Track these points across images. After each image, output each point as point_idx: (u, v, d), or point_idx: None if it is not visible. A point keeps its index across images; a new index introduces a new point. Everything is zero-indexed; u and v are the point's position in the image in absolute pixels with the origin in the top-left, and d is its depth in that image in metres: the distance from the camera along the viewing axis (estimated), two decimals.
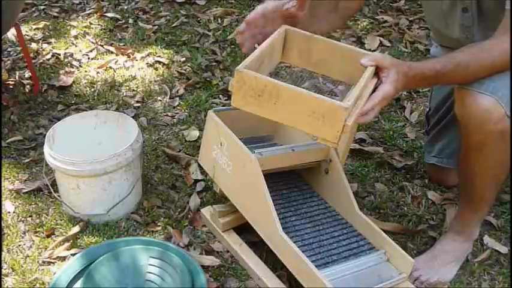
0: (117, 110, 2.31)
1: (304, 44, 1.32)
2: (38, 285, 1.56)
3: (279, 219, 1.45)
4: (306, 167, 1.67)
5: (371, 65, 1.24)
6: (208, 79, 2.54)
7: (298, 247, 1.41)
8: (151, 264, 1.52)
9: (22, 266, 1.62)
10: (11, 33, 2.77)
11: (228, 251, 1.67)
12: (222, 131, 1.55)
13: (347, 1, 1.56)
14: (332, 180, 1.61)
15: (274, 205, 1.44)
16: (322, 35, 1.35)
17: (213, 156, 1.60)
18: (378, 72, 1.25)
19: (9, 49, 2.77)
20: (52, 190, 1.81)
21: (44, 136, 1.80)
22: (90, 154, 1.73)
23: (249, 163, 1.46)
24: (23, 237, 1.72)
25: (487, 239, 1.71)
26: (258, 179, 1.44)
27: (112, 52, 2.76)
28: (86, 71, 2.61)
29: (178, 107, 2.37)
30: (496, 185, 1.50)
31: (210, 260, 1.63)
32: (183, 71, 2.61)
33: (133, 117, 2.10)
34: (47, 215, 1.81)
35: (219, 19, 3.09)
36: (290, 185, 1.70)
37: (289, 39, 1.32)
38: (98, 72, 2.59)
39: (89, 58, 2.71)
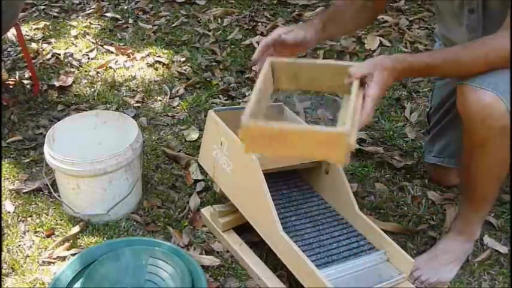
0: (117, 110, 2.31)
1: (290, 69, 1.39)
2: (38, 285, 1.56)
3: (279, 219, 1.45)
4: (306, 167, 1.67)
5: (351, 81, 1.25)
6: (208, 79, 2.54)
7: (298, 247, 1.41)
8: (151, 264, 1.52)
9: (22, 266, 1.62)
10: (11, 33, 2.77)
11: (228, 251, 1.67)
12: (222, 131, 1.55)
13: (373, 1, 1.61)
14: (332, 180, 1.61)
15: (274, 205, 1.44)
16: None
17: (213, 156, 1.60)
18: (362, 80, 1.27)
19: (9, 49, 2.77)
20: (52, 190, 1.82)
21: (44, 136, 1.80)
22: (90, 154, 1.73)
23: (249, 163, 1.46)
24: (23, 237, 1.72)
25: (487, 239, 1.71)
26: (258, 179, 1.44)
27: (112, 52, 2.76)
28: (86, 71, 2.61)
29: (178, 107, 2.37)
30: (498, 182, 1.50)
31: (210, 260, 1.63)
32: (183, 71, 2.61)
33: (133, 117, 2.10)
34: (47, 215, 1.81)
35: (219, 19, 3.09)
36: (290, 185, 1.70)
37: (275, 68, 1.39)
38: (98, 72, 2.59)
39: (89, 58, 2.72)
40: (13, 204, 1.84)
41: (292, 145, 1.18)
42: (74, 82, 2.51)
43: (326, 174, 1.63)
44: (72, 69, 2.61)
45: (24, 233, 1.74)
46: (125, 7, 3.22)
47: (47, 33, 2.94)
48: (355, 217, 1.56)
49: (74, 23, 3.03)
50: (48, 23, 3.02)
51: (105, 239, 1.71)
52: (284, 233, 1.41)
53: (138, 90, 2.48)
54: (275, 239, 1.44)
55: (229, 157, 1.54)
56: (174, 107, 2.37)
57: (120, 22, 3.06)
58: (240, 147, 1.49)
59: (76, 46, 2.81)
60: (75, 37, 2.89)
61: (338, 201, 1.61)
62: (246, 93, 2.44)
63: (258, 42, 2.80)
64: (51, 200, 1.86)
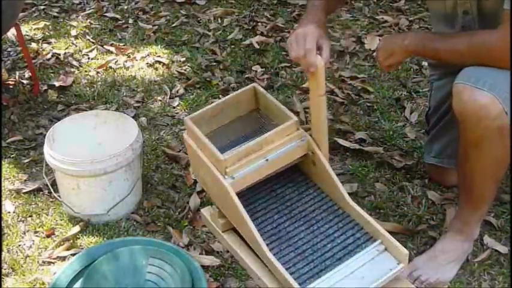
0: (117, 110, 2.31)
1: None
2: (38, 285, 1.56)
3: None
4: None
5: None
6: (208, 79, 2.54)
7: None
8: (151, 264, 1.52)
9: (22, 266, 1.62)
10: (11, 33, 2.77)
11: (228, 251, 1.67)
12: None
13: None
14: (319, 171, 1.59)
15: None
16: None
17: (200, 173, 1.62)
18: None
19: (9, 49, 2.77)
20: (52, 190, 1.82)
21: (44, 136, 1.80)
22: (90, 154, 1.73)
23: (223, 188, 1.47)
24: (23, 237, 1.72)
25: (487, 239, 1.71)
26: (234, 205, 1.45)
27: (112, 52, 2.76)
28: (86, 71, 2.61)
29: (178, 107, 2.37)
30: (495, 182, 1.50)
31: (210, 260, 1.63)
32: (183, 71, 2.61)
33: (133, 117, 2.10)
34: (47, 215, 1.81)
35: (219, 19, 3.09)
36: (284, 181, 1.66)
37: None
38: (98, 72, 2.59)
39: (89, 58, 2.71)
40: (13, 204, 1.84)
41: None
42: (74, 82, 2.51)
43: (314, 165, 1.60)
44: (72, 69, 2.61)
45: (24, 233, 1.74)
46: (125, 7, 3.21)
47: (47, 33, 2.93)
48: (346, 207, 1.55)
49: (74, 23, 3.03)
50: (48, 23, 3.02)
51: (105, 239, 1.71)
52: (271, 255, 1.42)
53: (138, 90, 2.48)
54: (263, 258, 1.46)
55: (209, 182, 1.56)
56: (174, 107, 2.37)
57: (120, 22, 3.06)
58: (214, 173, 1.49)
59: (76, 46, 2.81)
60: (75, 37, 2.89)
61: (328, 192, 1.60)
62: None
63: (258, 42, 2.80)
64: (51, 200, 1.86)
